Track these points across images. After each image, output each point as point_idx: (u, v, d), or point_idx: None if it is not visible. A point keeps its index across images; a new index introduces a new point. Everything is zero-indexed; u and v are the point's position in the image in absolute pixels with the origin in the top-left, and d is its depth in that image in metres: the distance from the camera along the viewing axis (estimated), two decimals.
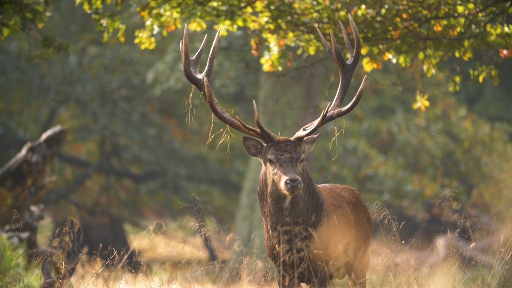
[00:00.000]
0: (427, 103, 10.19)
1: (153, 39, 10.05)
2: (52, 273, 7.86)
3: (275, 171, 6.87)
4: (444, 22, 9.48)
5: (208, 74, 7.15)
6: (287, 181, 6.75)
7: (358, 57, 7.19)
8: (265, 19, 9.70)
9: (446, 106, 24.48)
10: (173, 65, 21.30)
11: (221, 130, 7.22)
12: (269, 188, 6.94)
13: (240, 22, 9.79)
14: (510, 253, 8.15)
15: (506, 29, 9.36)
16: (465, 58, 9.60)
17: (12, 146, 23.72)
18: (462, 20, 9.41)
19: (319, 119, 6.94)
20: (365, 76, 7.19)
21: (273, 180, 6.89)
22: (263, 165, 7.00)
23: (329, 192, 7.23)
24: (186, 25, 7.47)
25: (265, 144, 6.99)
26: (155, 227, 8.98)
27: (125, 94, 24.20)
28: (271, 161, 6.91)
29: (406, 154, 23.27)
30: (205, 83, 6.99)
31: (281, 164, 6.86)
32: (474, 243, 8.21)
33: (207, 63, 7.20)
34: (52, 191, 24.07)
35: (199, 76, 7.20)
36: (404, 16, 9.46)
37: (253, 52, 9.97)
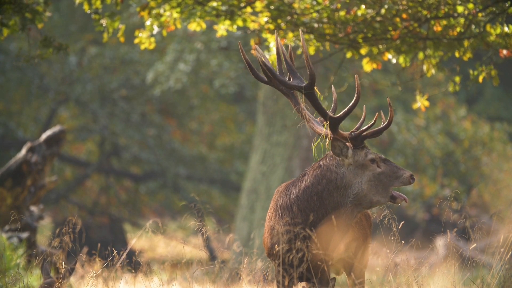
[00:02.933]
0: (426, 103, 10.19)
1: (152, 39, 10.04)
2: (52, 273, 7.86)
3: (382, 170, 6.98)
4: (444, 22, 9.47)
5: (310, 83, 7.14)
6: (412, 176, 7.00)
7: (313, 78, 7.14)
8: (265, 19, 9.70)
9: (445, 106, 24.47)
10: (173, 65, 21.30)
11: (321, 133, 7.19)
12: (355, 189, 6.96)
13: (239, 22, 9.79)
14: (510, 253, 8.15)
15: (506, 29, 9.36)
16: (465, 58, 9.60)
17: (12, 146, 23.72)
18: (462, 20, 9.40)
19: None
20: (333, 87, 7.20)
21: (375, 180, 6.94)
22: (343, 167, 6.97)
23: None
24: (276, 32, 7.33)
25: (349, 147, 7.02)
26: (152, 225, 8.97)
27: (125, 94, 24.20)
28: (373, 161, 6.99)
29: (405, 154, 23.27)
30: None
31: (385, 162, 7.02)
32: (474, 243, 8.20)
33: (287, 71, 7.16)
34: (52, 191, 24.06)
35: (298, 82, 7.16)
36: (404, 16, 9.46)
37: (253, 52, 9.96)
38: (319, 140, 7.22)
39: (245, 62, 7.14)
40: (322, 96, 7.15)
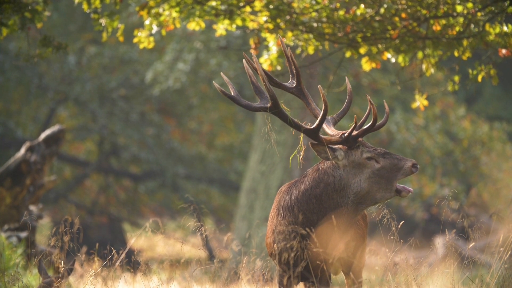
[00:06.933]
0: (426, 103, 10.19)
1: (152, 39, 10.05)
2: (51, 273, 7.87)
3: (381, 165, 6.91)
4: (443, 21, 9.48)
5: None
6: (415, 164, 6.88)
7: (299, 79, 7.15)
8: (264, 18, 9.70)
9: (445, 106, 24.48)
10: (172, 64, 21.30)
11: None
12: (354, 189, 6.92)
13: (239, 22, 9.79)
14: (509, 253, 8.15)
15: (505, 28, 9.37)
16: (464, 58, 9.61)
17: (11, 145, 23.72)
18: (461, 19, 9.41)
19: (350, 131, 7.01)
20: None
21: (376, 176, 6.89)
22: (339, 170, 6.95)
23: None
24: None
25: (340, 147, 6.98)
26: (151, 225, 8.98)
27: (124, 93, 24.20)
28: (370, 158, 6.93)
29: (405, 154, 23.27)
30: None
31: (384, 156, 6.95)
32: (473, 243, 8.21)
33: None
34: (51, 191, 24.06)
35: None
36: (403, 15, 9.46)
37: (252, 51, 9.97)
38: (295, 152, 7.24)
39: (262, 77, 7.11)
40: (289, 112, 7.13)
